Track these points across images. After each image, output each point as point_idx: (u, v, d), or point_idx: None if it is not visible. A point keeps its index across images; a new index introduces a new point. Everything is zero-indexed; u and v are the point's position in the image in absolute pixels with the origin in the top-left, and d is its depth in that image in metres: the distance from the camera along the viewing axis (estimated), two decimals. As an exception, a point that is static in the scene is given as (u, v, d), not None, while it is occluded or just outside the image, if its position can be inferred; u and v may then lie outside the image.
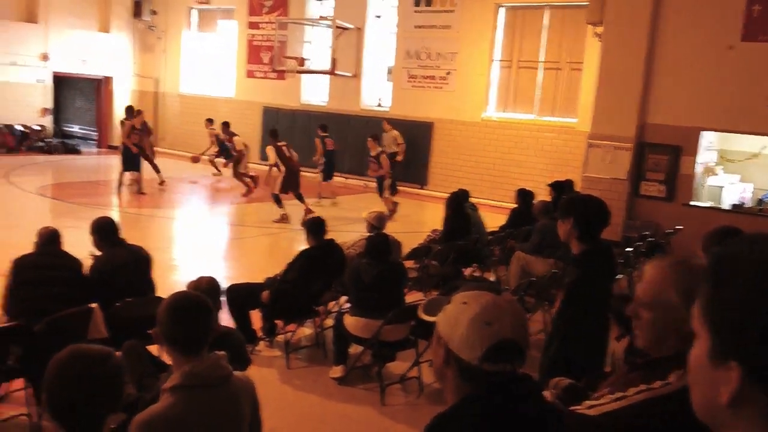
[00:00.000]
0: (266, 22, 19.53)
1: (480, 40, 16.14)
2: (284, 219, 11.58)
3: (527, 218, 8.65)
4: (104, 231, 5.35)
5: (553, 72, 15.44)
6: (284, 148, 11.93)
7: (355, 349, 5.71)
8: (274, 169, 12.02)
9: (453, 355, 1.71)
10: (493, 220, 10.02)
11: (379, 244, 5.66)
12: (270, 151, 11.81)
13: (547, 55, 15.49)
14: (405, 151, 15.64)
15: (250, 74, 20.30)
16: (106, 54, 21.53)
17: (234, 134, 15.48)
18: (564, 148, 14.86)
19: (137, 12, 21.33)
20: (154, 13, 21.55)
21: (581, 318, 3.48)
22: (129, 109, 15.32)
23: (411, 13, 17.01)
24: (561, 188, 9.34)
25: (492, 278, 8.24)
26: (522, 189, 9.49)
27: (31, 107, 20.13)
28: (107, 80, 22.01)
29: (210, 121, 17.48)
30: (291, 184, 11.77)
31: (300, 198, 12.00)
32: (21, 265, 4.79)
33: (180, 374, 2.45)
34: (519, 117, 15.92)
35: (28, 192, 13.60)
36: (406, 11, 17.14)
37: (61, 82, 21.37)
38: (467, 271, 8.20)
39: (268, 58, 19.36)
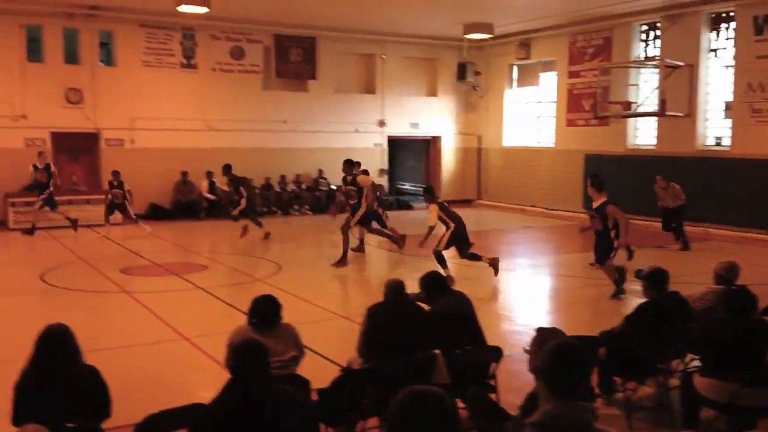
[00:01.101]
0: (587, 70, 19.29)
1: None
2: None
3: None
4: (436, 283, 5.70)
5: None
6: (446, 203, 10.99)
7: (706, 412, 5.11)
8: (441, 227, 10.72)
9: None
10: None
11: (741, 298, 5.06)
12: (432, 210, 10.63)
13: None
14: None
15: (571, 123, 20.12)
16: (434, 116, 23.18)
17: (365, 171, 13.74)
18: None
19: (461, 75, 22.59)
20: (477, 74, 22.64)
21: None
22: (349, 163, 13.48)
23: (752, 43, 15.42)
24: None
25: None
26: None
27: (370, 169, 22.35)
28: (435, 140, 23.63)
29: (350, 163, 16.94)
30: (459, 241, 10.61)
31: (473, 256, 10.70)
32: (374, 313, 5.22)
33: (542, 413, 2.59)
34: None
35: (371, 245, 14.97)
36: (745, 42, 15.61)
37: (395, 144, 23.44)
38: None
39: (589, 105, 19.02)
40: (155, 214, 18.65)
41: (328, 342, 7.16)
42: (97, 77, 18.16)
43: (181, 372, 6.82)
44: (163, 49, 18.85)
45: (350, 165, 12.92)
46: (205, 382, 6.54)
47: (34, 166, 15.42)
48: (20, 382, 3.94)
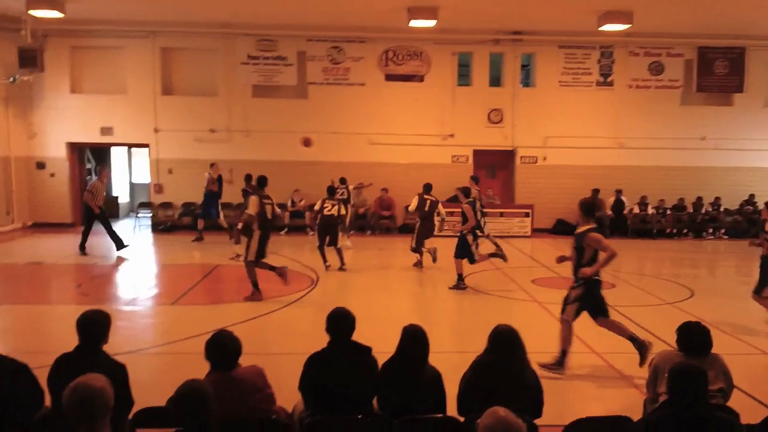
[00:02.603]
0: None
1: None
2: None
3: None
4: None
5: None
6: (429, 201, 12.86)
7: None
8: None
9: None
10: None
11: None
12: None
13: None
14: None
15: None
16: None
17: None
18: None
19: None
20: None
21: None
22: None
23: None
24: None
25: None
26: None
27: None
28: None
29: (475, 179, 14.00)
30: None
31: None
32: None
33: None
34: None
35: None
36: None
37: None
38: None
39: None
40: (562, 229, 19.12)
41: (750, 378, 6.59)
42: (517, 98, 19.38)
43: (593, 383, 6.96)
44: (580, 69, 19.27)
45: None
46: (615, 396, 6.57)
47: (218, 176, 16.09)
48: (472, 375, 4.40)
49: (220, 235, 15.99)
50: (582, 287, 6.96)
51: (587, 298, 6.96)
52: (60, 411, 4.04)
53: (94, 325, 4.30)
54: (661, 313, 9.82)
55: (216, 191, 16.12)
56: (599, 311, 7.04)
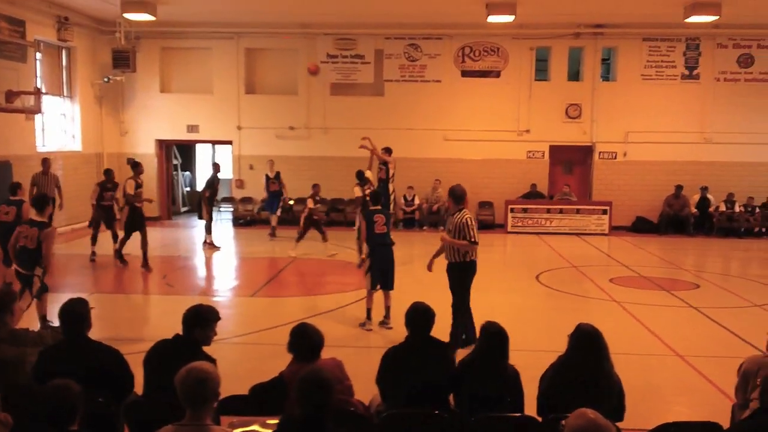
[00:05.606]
0: None
1: None
2: None
3: None
4: None
5: None
6: None
7: None
8: None
9: None
10: None
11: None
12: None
13: None
14: None
15: None
16: None
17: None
18: None
19: None
20: None
21: None
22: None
23: None
24: None
25: None
26: None
27: None
28: None
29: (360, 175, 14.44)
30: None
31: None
32: None
33: None
34: None
35: None
36: None
37: None
38: None
39: None
40: (641, 227, 18.65)
41: None
42: (597, 93, 18.94)
43: (677, 387, 6.80)
44: (664, 62, 18.69)
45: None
46: (696, 403, 6.41)
47: (267, 176, 16.87)
48: (554, 375, 4.33)
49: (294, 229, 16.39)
50: None
51: None
52: (151, 395, 4.30)
53: (196, 317, 4.52)
54: (748, 316, 9.50)
55: (278, 190, 16.93)
56: None
